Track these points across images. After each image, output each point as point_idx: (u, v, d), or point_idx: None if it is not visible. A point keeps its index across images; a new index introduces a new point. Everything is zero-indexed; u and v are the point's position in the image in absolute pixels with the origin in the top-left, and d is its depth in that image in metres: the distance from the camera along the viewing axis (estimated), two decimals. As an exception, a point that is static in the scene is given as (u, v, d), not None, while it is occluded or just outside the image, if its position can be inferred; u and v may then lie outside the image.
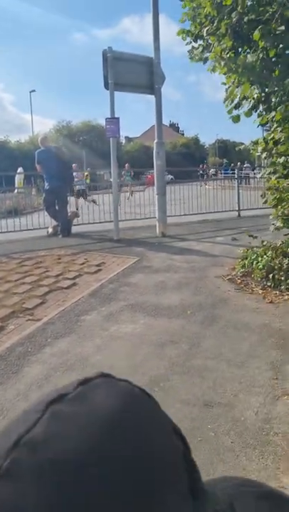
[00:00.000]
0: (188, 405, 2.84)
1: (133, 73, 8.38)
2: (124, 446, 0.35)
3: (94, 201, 11.85)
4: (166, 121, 67.87)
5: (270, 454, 2.37)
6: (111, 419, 0.36)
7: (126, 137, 64.35)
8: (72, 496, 0.31)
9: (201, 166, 35.68)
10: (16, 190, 14.31)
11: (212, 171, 34.49)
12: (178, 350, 3.63)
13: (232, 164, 31.98)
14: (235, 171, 13.90)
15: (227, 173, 25.43)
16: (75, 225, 9.53)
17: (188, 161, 39.42)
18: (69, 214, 9.31)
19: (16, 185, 15.11)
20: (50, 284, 5.40)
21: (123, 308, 4.63)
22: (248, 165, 28.12)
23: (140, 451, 0.36)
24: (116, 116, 8.34)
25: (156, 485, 0.35)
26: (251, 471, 2.24)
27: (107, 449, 0.34)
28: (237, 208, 11.83)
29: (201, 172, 31.81)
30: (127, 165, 22.29)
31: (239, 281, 5.41)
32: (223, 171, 29.10)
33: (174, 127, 75.38)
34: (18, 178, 16.02)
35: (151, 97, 8.80)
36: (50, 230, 9.18)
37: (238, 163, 23.79)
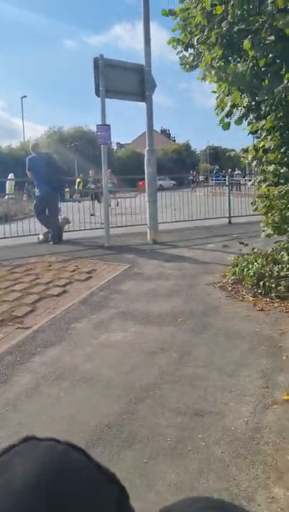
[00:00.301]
0: (178, 414, 2.82)
1: (124, 80, 8.42)
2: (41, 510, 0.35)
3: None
4: (157, 128, 68.15)
5: (261, 463, 2.36)
6: (26, 490, 0.37)
7: (117, 143, 64.48)
8: None
9: (191, 172, 35.51)
10: (6, 196, 14.25)
11: (202, 177, 34.32)
12: (168, 359, 3.62)
13: (223, 171, 32.18)
14: (226, 178, 13.96)
15: (218, 180, 25.58)
16: (66, 231, 9.50)
17: (179, 168, 39.61)
18: (60, 220, 9.27)
19: (7, 192, 15.04)
20: (41, 292, 5.37)
21: (114, 316, 4.61)
22: (239, 172, 28.32)
23: None
24: (107, 123, 8.36)
25: None
26: (241, 481, 2.23)
27: None
28: (228, 215, 11.87)
29: (191, 178, 31.89)
30: (108, 171, 22.45)
31: (230, 288, 5.42)
32: (214, 178, 29.28)
33: (166, 133, 75.69)
34: (9, 184, 15.98)
35: (143, 104, 8.83)
36: (41, 236, 9.15)
37: (229, 170, 23.93)
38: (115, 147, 59.31)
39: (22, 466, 0.39)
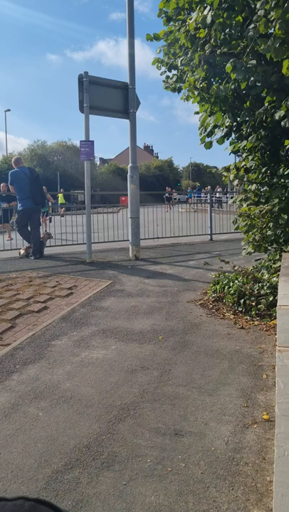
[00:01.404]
0: (158, 434, 2.80)
1: (108, 97, 8.51)
2: None
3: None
4: (140, 144, 68.85)
5: (241, 484, 2.36)
6: None
7: (100, 158, 64.88)
8: None
9: (167, 189, 33.92)
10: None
11: (175, 195, 32.92)
12: (149, 377, 3.60)
13: (205, 188, 32.52)
14: (208, 196, 14.14)
15: (199, 197, 25.87)
16: (47, 246, 9.45)
17: (162, 184, 39.96)
18: (42, 235, 9.23)
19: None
20: (21, 308, 5.30)
21: (95, 333, 4.58)
22: (220, 189, 28.74)
23: None
24: (91, 139, 8.41)
25: None
26: (221, 503, 2.21)
27: None
28: (210, 232, 11.99)
29: (166, 195, 29.94)
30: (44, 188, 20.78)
31: (211, 306, 5.44)
32: (196, 194, 29.59)
33: (149, 150, 76.52)
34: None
35: (126, 120, 8.92)
36: (22, 251, 9.08)
37: (208, 187, 24.30)
38: (98, 162, 59.62)
39: None
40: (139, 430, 2.86)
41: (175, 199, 31.65)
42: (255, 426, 2.91)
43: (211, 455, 2.61)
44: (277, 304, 1.99)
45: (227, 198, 19.18)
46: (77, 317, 5.07)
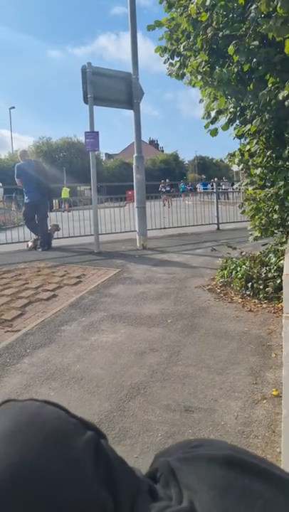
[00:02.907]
0: (168, 411, 2.83)
1: (112, 88, 8.51)
2: (8, 465, 0.39)
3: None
4: (146, 138, 68.73)
5: (251, 456, 2.38)
6: (1, 442, 0.40)
7: (106, 154, 64.83)
8: None
9: (162, 181, 28.21)
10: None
11: (167, 188, 27.49)
12: (158, 358, 3.63)
13: (212, 180, 32.09)
14: (214, 186, 14.10)
15: (206, 189, 25.77)
16: (55, 238, 9.50)
17: (168, 177, 39.79)
18: (49, 227, 9.28)
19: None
20: (30, 296, 5.36)
21: (104, 319, 4.62)
22: (226, 180, 28.58)
23: (24, 465, 0.39)
24: (95, 130, 8.42)
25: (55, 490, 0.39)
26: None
27: None
28: (216, 222, 11.97)
29: (162, 189, 26.11)
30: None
31: (219, 290, 5.46)
32: (202, 186, 29.44)
33: (154, 144, 76.33)
34: (-2, 193, 15.93)
35: (130, 115, 8.93)
36: (30, 243, 9.14)
37: (215, 179, 24.08)
38: (104, 157, 59.61)
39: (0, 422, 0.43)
40: (149, 407, 2.89)
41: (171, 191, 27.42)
42: (264, 401, 2.94)
43: (220, 429, 2.64)
44: (284, 273, 2.00)
45: (233, 189, 19.10)
46: (86, 304, 5.12)
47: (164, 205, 17.22)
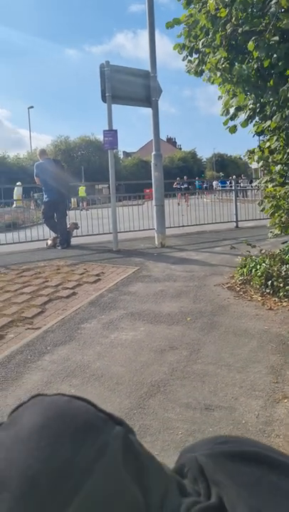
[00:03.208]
0: (189, 409, 2.83)
1: (130, 86, 8.51)
2: (40, 459, 0.39)
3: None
4: (163, 136, 68.56)
5: (272, 455, 2.36)
6: (31, 437, 0.41)
7: (124, 152, 64.92)
8: None
9: (178, 179, 26.53)
10: (14, 204, 14.34)
11: (184, 185, 26.67)
12: (178, 356, 3.63)
13: (230, 178, 31.69)
14: (232, 184, 14.00)
15: (224, 186, 25.58)
16: (74, 236, 9.56)
17: (186, 175, 39.65)
18: (68, 226, 9.34)
19: (15, 198, 15.14)
20: (50, 294, 5.40)
21: (123, 316, 4.63)
22: (245, 178, 28.32)
23: (55, 460, 0.39)
24: (114, 128, 8.44)
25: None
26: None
27: (25, 465, 0.39)
28: (235, 219, 11.89)
29: (178, 186, 25.60)
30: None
31: (238, 288, 5.42)
32: (220, 184, 29.22)
33: (172, 142, 76.13)
34: (17, 192, 16.08)
35: (148, 114, 8.93)
36: (50, 241, 9.22)
37: (234, 176, 23.78)
38: (122, 156, 59.72)
39: (28, 417, 0.43)
40: (169, 405, 2.90)
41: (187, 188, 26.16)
42: (285, 400, 2.91)
43: (241, 428, 2.63)
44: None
45: (252, 187, 18.92)
46: (106, 301, 5.14)
47: (179, 204, 16.75)
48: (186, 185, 25.74)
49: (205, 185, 27.36)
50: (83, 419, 0.43)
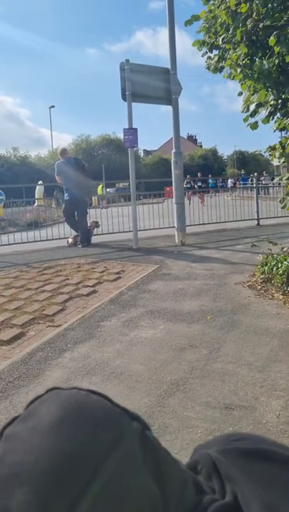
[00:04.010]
0: (208, 408, 2.82)
1: (150, 84, 8.50)
2: (59, 452, 0.39)
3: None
4: (184, 134, 68.37)
5: (293, 455, 2.33)
6: (50, 429, 0.41)
7: (144, 150, 64.94)
8: (6, 503, 0.37)
9: (188, 177, 23.38)
10: (36, 203, 14.48)
11: (198, 183, 24.76)
12: (198, 355, 3.62)
13: (251, 175, 31.15)
14: (254, 181, 13.84)
15: (245, 184, 25.32)
16: (94, 235, 9.61)
17: (206, 173, 39.40)
18: (89, 224, 9.40)
19: (36, 197, 15.30)
20: (70, 292, 5.45)
21: (143, 314, 4.64)
22: (267, 175, 27.93)
23: (75, 453, 0.40)
24: (134, 127, 8.44)
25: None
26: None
27: (44, 457, 0.39)
28: (256, 217, 11.77)
29: (188, 185, 22.24)
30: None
31: (259, 287, 5.37)
32: (241, 181, 28.89)
33: (192, 139, 75.82)
34: (39, 190, 16.24)
35: (168, 112, 8.90)
36: (70, 240, 9.28)
37: (255, 174, 23.32)
38: (142, 154, 59.73)
39: (46, 410, 0.43)
40: (189, 404, 2.89)
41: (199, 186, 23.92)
42: (307, 401, 2.87)
43: (262, 427, 2.60)
44: None
45: (274, 184, 18.65)
46: (126, 299, 5.15)
47: (190, 203, 15.84)
48: (200, 184, 23.80)
49: (220, 184, 26.32)
50: (101, 413, 0.43)
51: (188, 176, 25.80)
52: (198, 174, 26.02)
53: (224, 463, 0.53)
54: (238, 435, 0.61)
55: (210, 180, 25.66)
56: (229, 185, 25.10)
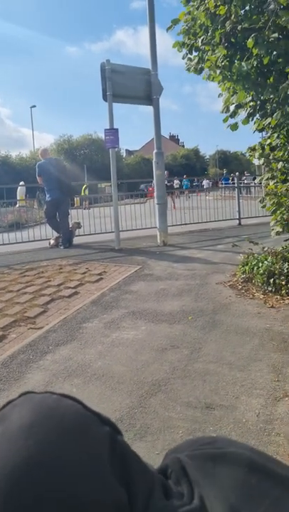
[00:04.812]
0: (190, 407, 2.84)
1: (131, 85, 8.50)
2: (28, 459, 0.39)
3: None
4: (166, 134, 68.47)
5: (272, 454, 2.36)
6: (19, 434, 0.41)
7: (126, 150, 64.89)
8: None
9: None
10: (17, 204, 14.36)
11: (176, 182, 24.22)
12: (179, 355, 3.64)
13: (231, 174, 31.19)
14: (235, 181, 13.95)
15: (227, 183, 25.47)
16: (76, 236, 9.57)
17: (188, 173, 39.54)
18: (71, 225, 9.35)
19: (18, 198, 15.16)
20: (52, 294, 5.42)
21: (125, 316, 4.64)
22: (249, 174, 28.17)
23: (44, 459, 0.40)
24: (115, 127, 8.43)
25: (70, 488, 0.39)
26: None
27: (11, 464, 0.39)
28: (238, 217, 11.87)
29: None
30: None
31: (240, 286, 5.42)
32: (223, 181, 29.10)
33: (174, 139, 76.02)
34: (20, 191, 16.10)
35: (150, 111, 8.91)
36: (52, 241, 9.23)
37: (237, 173, 23.61)
38: (124, 154, 59.67)
39: (17, 415, 0.43)
40: (170, 404, 2.90)
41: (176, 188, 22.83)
42: (286, 399, 2.91)
43: (242, 426, 2.63)
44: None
45: (255, 183, 18.83)
46: (108, 301, 5.15)
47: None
48: (171, 183, 21.77)
49: (195, 184, 25.61)
50: (72, 419, 0.44)
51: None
52: (166, 172, 23.95)
53: (193, 467, 0.54)
54: (208, 439, 0.61)
55: (185, 181, 25.05)
56: (205, 187, 24.84)
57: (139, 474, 0.47)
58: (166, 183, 21.58)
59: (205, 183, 29.74)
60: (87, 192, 20.03)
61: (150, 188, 13.69)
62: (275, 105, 4.92)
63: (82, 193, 20.05)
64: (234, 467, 0.53)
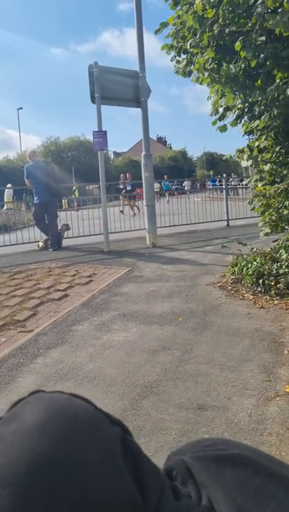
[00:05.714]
0: (182, 409, 2.84)
1: (119, 87, 8.51)
2: (43, 455, 0.39)
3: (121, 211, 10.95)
4: (154, 136, 68.60)
5: (265, 453, 2.38)
6: (33, 432, 0.41)
7: (114, 152, 64.88)
8: None
9: (121, 176, 22.00)
10: (4, 207, 14.28)
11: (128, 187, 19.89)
12: (170, 357, 3.64)
13: (218, 176, 31.26)
14: (223, 183, 14.03)
15: (214, 185, 25.60)
16: (65, 238, 9.54)
17: (176, 175, 39.67)
18: (59, 227, 9.32)
19: (5, 200, 15.07)
20: (41, 296, 5.39)
21: (115, 318, 4.64)
22: (236, 176, 28.34)
23: (58, 456, 0.40)
24: (103, 129, 8.44)
25: (79, 486, 0.39)
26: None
27: (27, 461, 0.39)
28: (226, 218, 11.93)
29: (120, 186, 20.33)
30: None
31: (230, 287, 5.45)
32: (210, 183, 29.23)
33: (162, 141, 76.20)
34: (8, 194, 16.00)
35: (138, 113, 8.92)
36: (41, 243, 9.19)
37: (224, 175, 23.71)
38: (112, 156, 59.64)
39: (30, 413, 0.43)
40: (162, 406, 2.90)
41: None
42: (277, 399, 2.93)
43: (234, 427, 2.64)
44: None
45: (242, 185, 18.93)
46: (98, 303, 5.14)
47: (121, 210, 13.67)
48: (129, 187, 18.64)
49: (175, 186, 25.00)
50: (84, 417, 0.44)
51: (121, 175, 22.28)
52: (127, 174, 21.26)
53: (197, 469, 0.55)
54: (210, 440, 0.62)
55: (164, 183, 24.52)
56: (186, 188, 24.66)
57: (150, 474, 0.47)
58: (123, 185, 20.02)
59: (186, 184, 29.54)
60: (77, 194, 19.96)
61: (139, 190, 13.67)
62: (263, 107, 4.96)
63: (73, 196, 19.97)
64: (239, 469, 0.53)
